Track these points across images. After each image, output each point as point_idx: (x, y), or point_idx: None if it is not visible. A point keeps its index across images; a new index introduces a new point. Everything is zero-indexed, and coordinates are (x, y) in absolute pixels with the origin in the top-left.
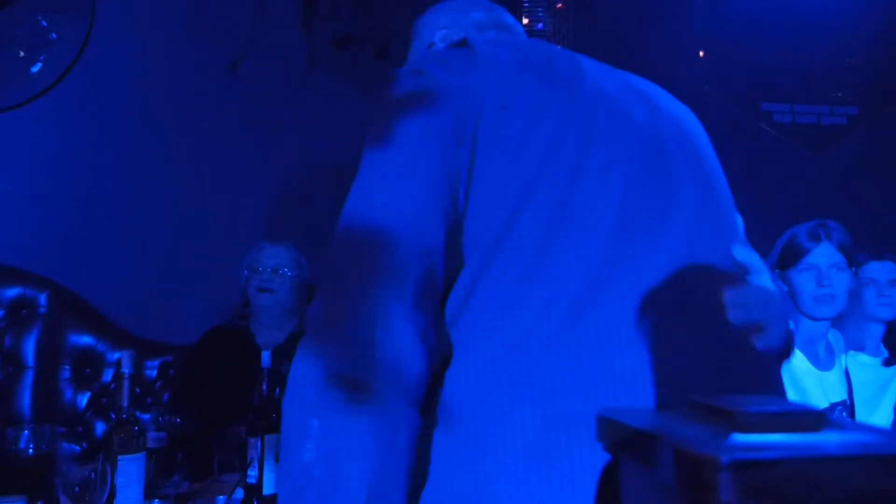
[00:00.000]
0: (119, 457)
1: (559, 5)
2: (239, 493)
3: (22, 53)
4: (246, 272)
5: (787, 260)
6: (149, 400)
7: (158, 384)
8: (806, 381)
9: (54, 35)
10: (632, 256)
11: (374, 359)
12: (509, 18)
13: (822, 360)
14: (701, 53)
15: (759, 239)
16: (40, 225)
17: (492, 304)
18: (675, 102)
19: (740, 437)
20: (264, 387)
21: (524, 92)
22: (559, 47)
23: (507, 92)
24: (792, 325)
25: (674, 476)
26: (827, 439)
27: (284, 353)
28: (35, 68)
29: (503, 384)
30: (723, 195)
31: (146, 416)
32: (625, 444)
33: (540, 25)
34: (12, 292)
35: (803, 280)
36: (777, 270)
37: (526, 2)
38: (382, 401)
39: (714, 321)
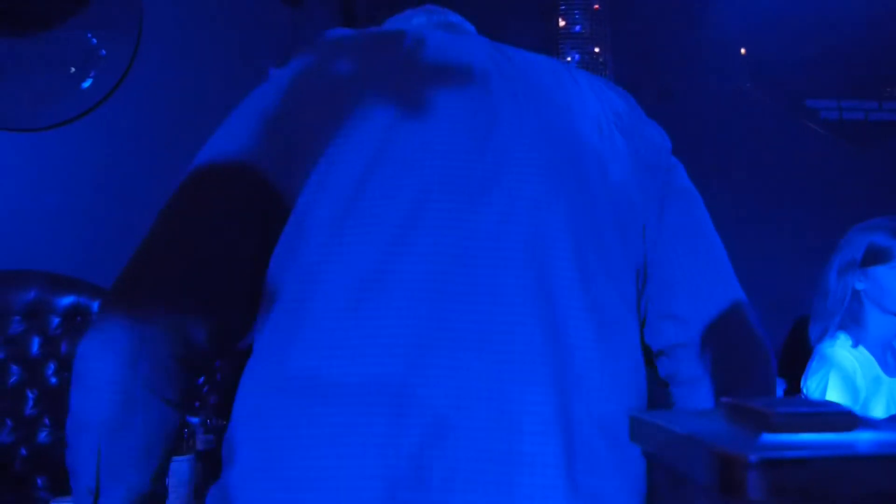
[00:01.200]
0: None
1: (596, 7)
2: None
3: (73, 70)
4: None
5: (876, 257)
6: (197, 403)
7: (206, 388)
8: (872, 387)
9: (104, 51)
10: (423, 237)
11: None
12: (455, 18)
13: (891, 366)
14: (743, 51)
15: (809, 238)
16: (93, 235)
17: (285, 292)
18: (552, 73)
19: (771, 437)
20: None
21: (332, 79)
22: (425, 32)
23: (314, 83)
24: None
25: (704, 475)
26: (859, 438)
27: None
28: (86, 84)
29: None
30: (594, 175)
31: (195, 420)
32: (657, 444)
33: (577, 28)
34: (67, 300)
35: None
36: (858, 268)
37: (563, 4)
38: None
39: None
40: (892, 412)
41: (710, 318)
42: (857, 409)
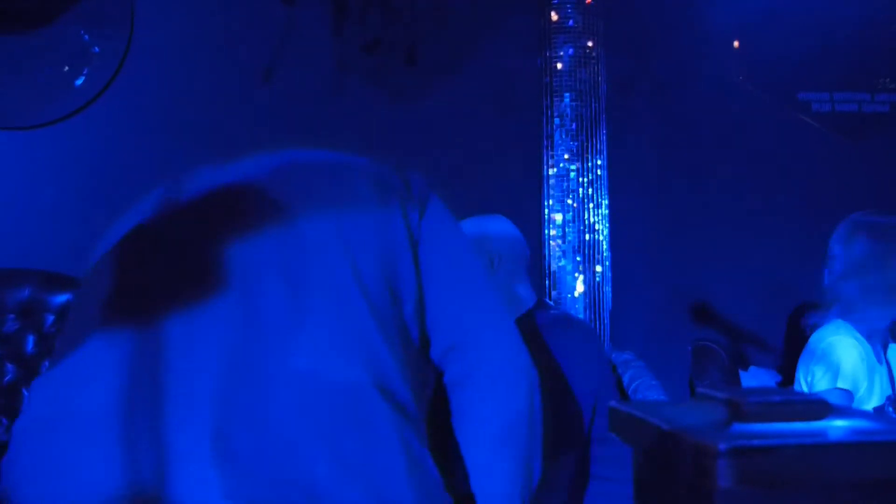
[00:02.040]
0: None
1: (588, 1)
2: None
3: (66, 68)
4: None
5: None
6: None
7: None
8: (869, 376)
9: (97, 48)
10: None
11: None
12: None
13: (880, 355)
14: (735, 44)
15: (802, 229)
16: (87, 233)
17: None
18: (305, 172)
19: (741, 426)
20: None
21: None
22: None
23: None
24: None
25: (678, 464)
26: (829, 427)
27: None
28: (79, 81)
29: None
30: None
31: None
32: (633, 433)
33: (570, 22)
34: (61, 298)
35: None
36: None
37: None
38: None
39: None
40: (882, 399)
41: (471, 324)
42: (858, 397)
